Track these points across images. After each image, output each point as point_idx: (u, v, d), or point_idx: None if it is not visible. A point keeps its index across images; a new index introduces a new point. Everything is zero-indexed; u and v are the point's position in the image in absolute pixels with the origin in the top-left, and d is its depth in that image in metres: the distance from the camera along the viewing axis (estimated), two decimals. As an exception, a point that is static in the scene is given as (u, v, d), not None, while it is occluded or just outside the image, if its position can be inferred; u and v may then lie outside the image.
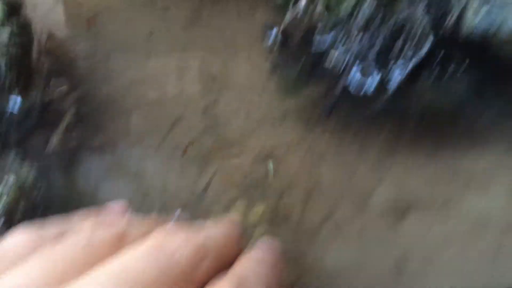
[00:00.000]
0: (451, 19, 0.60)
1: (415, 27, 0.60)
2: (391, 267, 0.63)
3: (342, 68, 0.63)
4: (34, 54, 0.71)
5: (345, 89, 0.64)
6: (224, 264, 0.38)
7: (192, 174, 0.69)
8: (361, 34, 0.62)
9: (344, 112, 0.69)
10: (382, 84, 0.61)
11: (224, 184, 0.68)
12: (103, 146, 0.70)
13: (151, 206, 0.66)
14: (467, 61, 0.61)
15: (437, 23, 0.61)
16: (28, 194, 0.57)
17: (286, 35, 0.70)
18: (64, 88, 0.71)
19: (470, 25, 0.61)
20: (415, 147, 0.70)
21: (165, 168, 0.69)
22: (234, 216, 0.52)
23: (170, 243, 0.34)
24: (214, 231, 0.40)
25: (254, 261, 0.39)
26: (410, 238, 0.64)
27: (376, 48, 0.62)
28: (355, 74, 0.62)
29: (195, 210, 0.65)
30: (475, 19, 0.60)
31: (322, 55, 0.67)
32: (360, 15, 0.62)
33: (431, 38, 0.60)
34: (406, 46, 0.61)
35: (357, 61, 0.62)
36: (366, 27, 0.62)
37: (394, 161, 0.69)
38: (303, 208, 0.68)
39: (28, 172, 0.60)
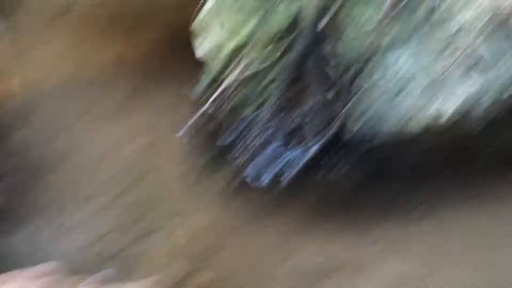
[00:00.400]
0: (334, 125, 0.69)
1: (304, 131, 0.70)
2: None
3: (242, 162, 0.72)
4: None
5: (243, 181, 0.73)
6: None
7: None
8: (260, 135, 0.71)
9: (241, 203, 0.75)
10: (276, 178, 0.71)
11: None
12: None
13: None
14: (349, 162, 0.70)
15: (323, 129, 0.70)
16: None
17: (197, 129, 0.78)
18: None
19: (351, 131, 0.69)
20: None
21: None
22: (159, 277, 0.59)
23: None
24: None
25: None
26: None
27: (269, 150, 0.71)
28: (252, 168, 0.72)
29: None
30: (355, 126, 0.69)
31: (227, 149, 0.75)
32: (260, 118, 0.71)
33: (314, 142, 0.69)
34: (295, 149, 0.71)
35: (254, 157, 0.71)
36: (263, 129, 0.70)
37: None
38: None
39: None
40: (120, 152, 0.81)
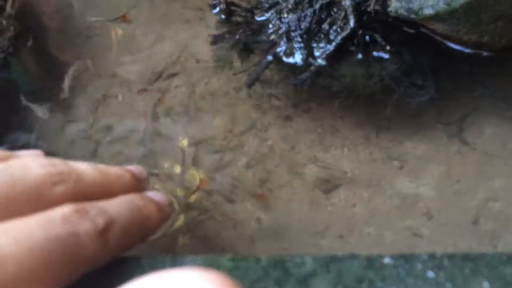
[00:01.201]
0: (376, 1, 0.58)
1: (338, 9, 0.60)
2: (313, 234, 0.66)
3: (275, 41, 0.64)
4: (4, 16, 0.75)
5: (277, 57, 0.65)
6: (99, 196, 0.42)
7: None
8: (290, 15, 0.62)
9: (274, 80, 0.70)
10: (308, 58, 0.62)
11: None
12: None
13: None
14: (392, 42, 0.61)
15: (360, 5, 0.60)
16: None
17: (229, 8, 0.71)
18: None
19: (395, 6, 0.59)
20: (356, 128, 0.69)
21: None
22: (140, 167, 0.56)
23: (28, 163, 0.39)
24: (92, 170, 0.44)
25: (124, 201, 0.43)
26: (333, 212, 0.67)
27: (304, 26, 0.62)
28: (284, 47, 0.63)
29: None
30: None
31: (258, 29, 0.68)
32: (291, -2, 0.63)
33: (352, 20, 0.59)
34: (330, 26, 0.61)
35: (285, 39, 0.62)
36: (295, 8, 0.62)
37: (333, 142, 0.70)
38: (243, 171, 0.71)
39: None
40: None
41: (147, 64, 0.79)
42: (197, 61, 0.75)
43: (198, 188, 0.70)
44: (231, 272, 0.40)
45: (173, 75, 0.78)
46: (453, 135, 0.70)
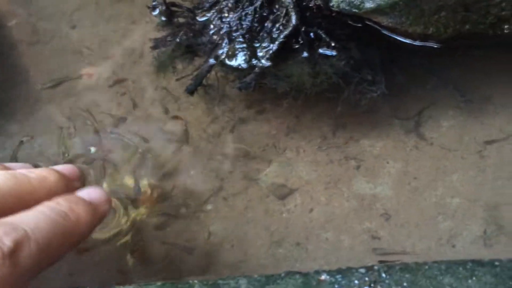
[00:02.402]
0: None
1: (280, 6, 0.56)
2: (269, 243, 0.63)
3: (216, 43, 0.61)
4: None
5: (220, 62, 0.62)
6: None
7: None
8: (231, 14, 0.59)
9: (217, 85, 0.67)
10: (252, 59, 0.59)
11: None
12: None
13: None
14: (338, 37, 0.58)
15: (302, 1, 0.57)
16: None
17: (170, 9, 0.67)
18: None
19: (337, 0, 0.56)
20: (312, 128, 0.67)
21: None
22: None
23: None
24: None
25: (42, 211, 0.39)
26: (290, 218, 0.64)
27: (246, 25, 0.58)
28: (225, 49, 0.60)
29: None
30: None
31: (200, 30, 0.64)
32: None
33: (294, 17, 0.56)
34: (273, 25, 0.57)
35: (226, 40, 0.59)
36: (235, 7, 0.58)
37: (288, 145, 0.68)
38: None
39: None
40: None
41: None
42: (143, 66, 0.72)
43: (148, 198, 0.67)
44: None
45: (121, 80, 0.75)
46: (410, 130, 0.68)
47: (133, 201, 0.65)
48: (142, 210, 0.67)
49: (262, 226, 0.64)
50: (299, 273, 0.36)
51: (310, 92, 0.60)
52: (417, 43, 0.63)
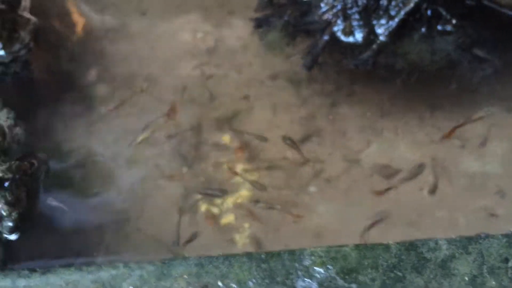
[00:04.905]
0: None
1: None
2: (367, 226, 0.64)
3: (330, 21, 0.60)
4: (20, 10, 0.70)
5: (334, 37, 0.61)
6: None
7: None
8: None
9: (332, 62, 0.66)
10: (370, 36, 0.59)
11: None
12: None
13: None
14: (455, 15, 0.58)
15: None
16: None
17: None
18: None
19: None
20: (407, 108, 0.66)
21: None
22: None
23: None
24: None
25: None
26: (399, 199, 0.63)
27: (362, 2, 0.58)
28: (341, 26, 0.59)
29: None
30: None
31: (307, 9, 0.64)
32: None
33: None
34: (389, 2, 0.57)
35: (341, 17, 0.59)
36: None
37: (385, 125, 0.67)
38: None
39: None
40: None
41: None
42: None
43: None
44: (361, 261, 0.36)
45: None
46: (511, 109, 0.68)
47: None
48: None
49: (370, 206, 0.63)
50: (503, 234, 0.35)
51: (428, 69, 0.60)
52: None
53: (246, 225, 0.62)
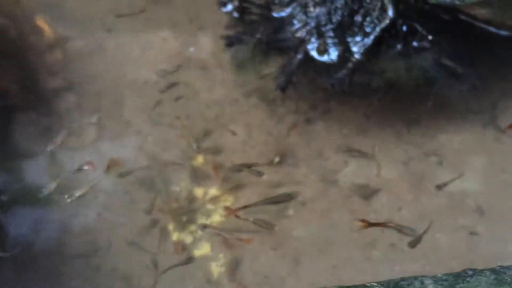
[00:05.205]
0: None
1: (371, 1, 0.55)
2: (359, 246, 0.61)
3: (303, 38, 0.58)
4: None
5: (308, 56, 0.59)
6: None
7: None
8: (318, 8, 0.56)
9: (306, 81, 0.64)
10: (345, 54, 0.56)
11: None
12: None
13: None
14: (431, 30, 0.56)
15: None
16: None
17: (242, 5, 0.64)
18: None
19: None
20: (384, 125, 0.65)
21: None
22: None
23: None
24: None
25: None
26: (378, 219, 0.61)
27: (336, 19, 0.56)
28: (315, 44, 0.57)
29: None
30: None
31: (280, 26, 0.61)
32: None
33: (391, 10, 0.54)
34: (364, 18, 0.55)
35: (316, 35, 0.56)
36: (323, 1, 0.56)
37: (363, 142, 0.65)
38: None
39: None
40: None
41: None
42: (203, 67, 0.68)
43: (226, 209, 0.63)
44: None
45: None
46: (487, 123, 0.67)
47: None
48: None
49: (349, 229, 0.61)
50: (490, 269, 0.34)
51: (405, 87, 0.58)
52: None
53: (221, 255, 0.59)
